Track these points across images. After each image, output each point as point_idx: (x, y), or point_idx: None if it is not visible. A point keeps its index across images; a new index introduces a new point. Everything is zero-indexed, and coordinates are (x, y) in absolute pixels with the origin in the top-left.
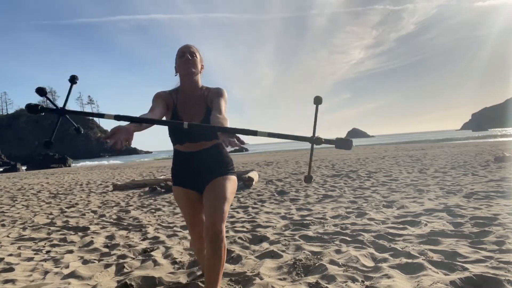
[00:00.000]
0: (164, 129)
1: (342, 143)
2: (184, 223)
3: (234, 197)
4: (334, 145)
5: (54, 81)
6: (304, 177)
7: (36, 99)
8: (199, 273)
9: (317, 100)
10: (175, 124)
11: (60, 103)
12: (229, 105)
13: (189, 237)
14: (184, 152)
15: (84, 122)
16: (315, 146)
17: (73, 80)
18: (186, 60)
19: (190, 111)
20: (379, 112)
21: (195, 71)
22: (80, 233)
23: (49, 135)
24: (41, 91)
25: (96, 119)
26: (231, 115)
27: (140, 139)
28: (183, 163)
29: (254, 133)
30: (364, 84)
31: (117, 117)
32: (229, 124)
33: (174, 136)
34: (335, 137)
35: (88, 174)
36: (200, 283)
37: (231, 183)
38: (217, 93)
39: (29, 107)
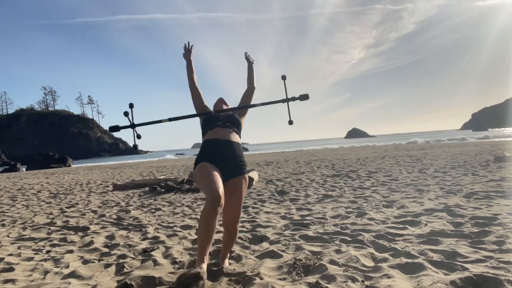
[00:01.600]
0: (163, 130)
1: (303, 96)
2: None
3: None
4: (299, 99)
5: (54, 81)
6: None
7: (35, 99)
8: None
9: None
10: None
11: (60, 103)
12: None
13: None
14: (213, 139)
15: (84, 122)
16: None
17: (131, 106)
18: (220, 98)
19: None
20: (379, 112)
21: (224, 100)
22: (80, 233)
23: (134, 142)
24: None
25: (96, 119)
26: None
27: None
28: (211, 148)
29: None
30: (364, 84)
31: (171, 119)
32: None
33: (209, 121)
34: (339, 136)
35: (88, 174)
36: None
37: (246, 183)
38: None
39: (111, 128)
